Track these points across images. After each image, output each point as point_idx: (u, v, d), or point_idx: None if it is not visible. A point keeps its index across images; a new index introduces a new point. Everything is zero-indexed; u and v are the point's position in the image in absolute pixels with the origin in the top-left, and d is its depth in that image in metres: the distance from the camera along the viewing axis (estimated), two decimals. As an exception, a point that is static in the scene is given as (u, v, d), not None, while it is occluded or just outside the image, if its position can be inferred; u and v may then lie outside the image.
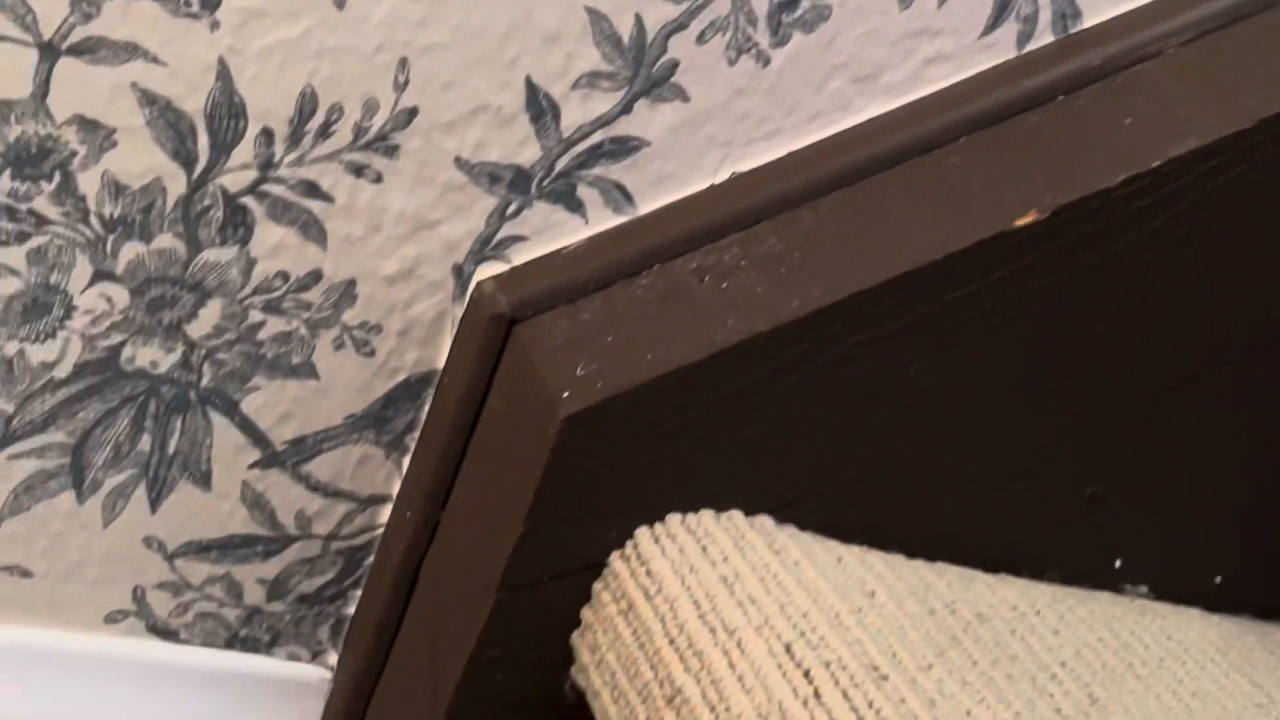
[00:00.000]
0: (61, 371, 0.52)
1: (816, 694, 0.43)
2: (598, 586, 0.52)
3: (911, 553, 0.56)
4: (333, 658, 0.63)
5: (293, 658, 0.62)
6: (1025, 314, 0.56)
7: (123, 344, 0.53)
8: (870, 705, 0.42)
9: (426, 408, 0.58)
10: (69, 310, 0.51)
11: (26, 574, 0.56)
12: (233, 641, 0.61)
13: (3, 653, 0.57)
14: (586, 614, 0.53)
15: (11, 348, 0.51)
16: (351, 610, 0.62)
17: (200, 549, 0.58)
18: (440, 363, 0.57)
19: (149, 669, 0.60)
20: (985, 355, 0.56)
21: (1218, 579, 0.67)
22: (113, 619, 0.59)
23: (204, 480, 0.57)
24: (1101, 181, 0.55)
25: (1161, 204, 0.56)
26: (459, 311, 0.56)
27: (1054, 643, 0.51)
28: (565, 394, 0.50)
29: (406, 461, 0.59)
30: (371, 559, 0.61)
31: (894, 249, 0.54)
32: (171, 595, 0.59)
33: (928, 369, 0.55)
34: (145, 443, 0.55)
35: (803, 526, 0.54)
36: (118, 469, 0.55)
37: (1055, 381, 0.59)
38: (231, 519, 0.58)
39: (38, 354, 0.52)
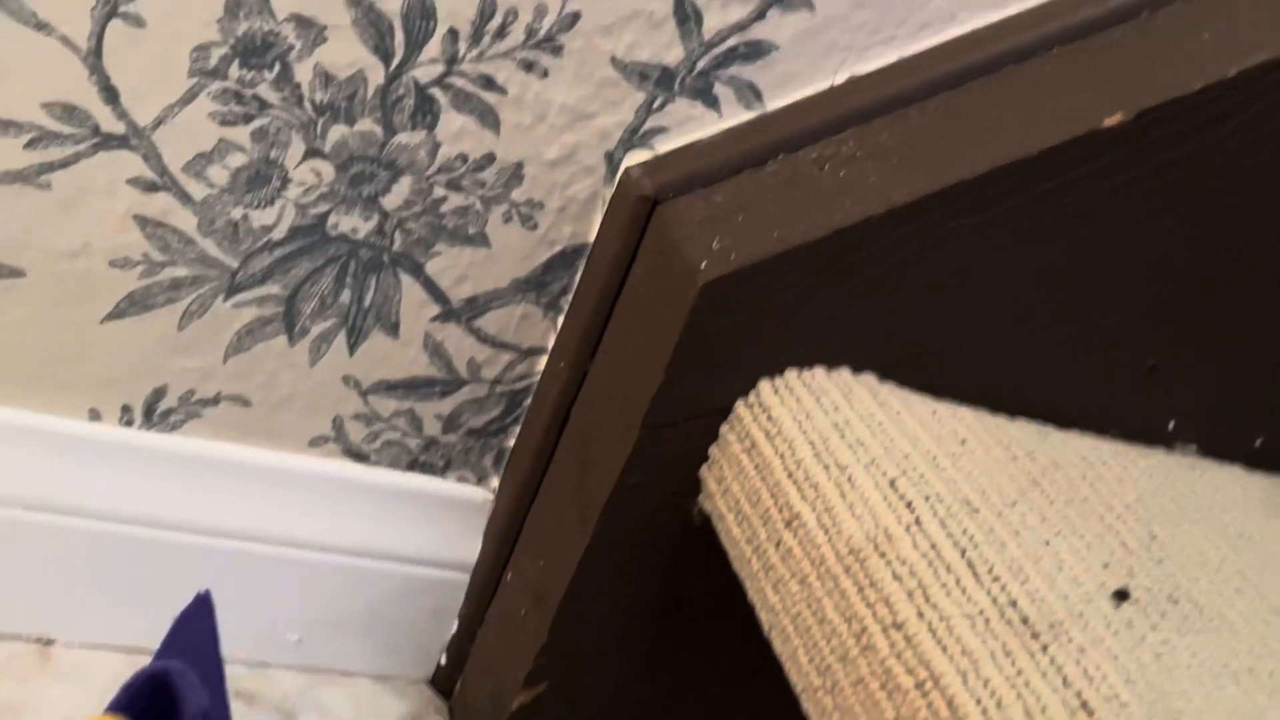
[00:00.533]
0: (278, 234, 0.55)
1: (917, 521, 0.45)
2: (724, 428, 0.54)
3: (994, 410, 0.57)
4: (494, 482, 0.66)
5: (461, 480, 0.65)
6: (1106, 205, 0.56)
7: (328, 212, 0.55)
8: (964, 532, 0.44)
9: (579, 275, 0.60)
10: (285, 182, 0.54)
11: (246, 403, 0.60)
12: (413, 465, 0.64)
13: (224, 467, 0.61)
14: (714, 451, 0.55)
15: (237, 213, 0.54)
16: (511, 443, 0.65)
17: (388, 387, 0.61)
18: (592, 236, 0.59)
19: (344, 486, 0.63)
20: (1067, 241, 0.56)
21: (1258, 442, 0.67)
22: (315, 443, 0.62)
23: (393, 330, 0.59)
24: (1180, 88, 0.55)
25: (1234, 110, 0.56)
26: (609, 192, 0.58)
27: (1118, 489, 0.52)
28: (703, 264, 0.52)
29: (560, 320, 0.61)
30: (529, 401, 0.64)
31: (992, 145, 0.54)
32: (364, 425, 0.62)
33: (1015, 252, 0.56)
34: (345, 297, 0.58)
35: (901, 384, 0.56)
36: (322, 318, 0.58)
37: (1126, 266, 0.59)
38: (415, 363, 0.61)
39: (258, 218, 0.54)
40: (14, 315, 0.54)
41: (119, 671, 0.61)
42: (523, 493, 0.63)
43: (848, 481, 0.47)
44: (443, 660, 0.69)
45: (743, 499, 0.52)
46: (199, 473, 0.60)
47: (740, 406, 0.54)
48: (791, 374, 0.54)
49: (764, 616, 0.49)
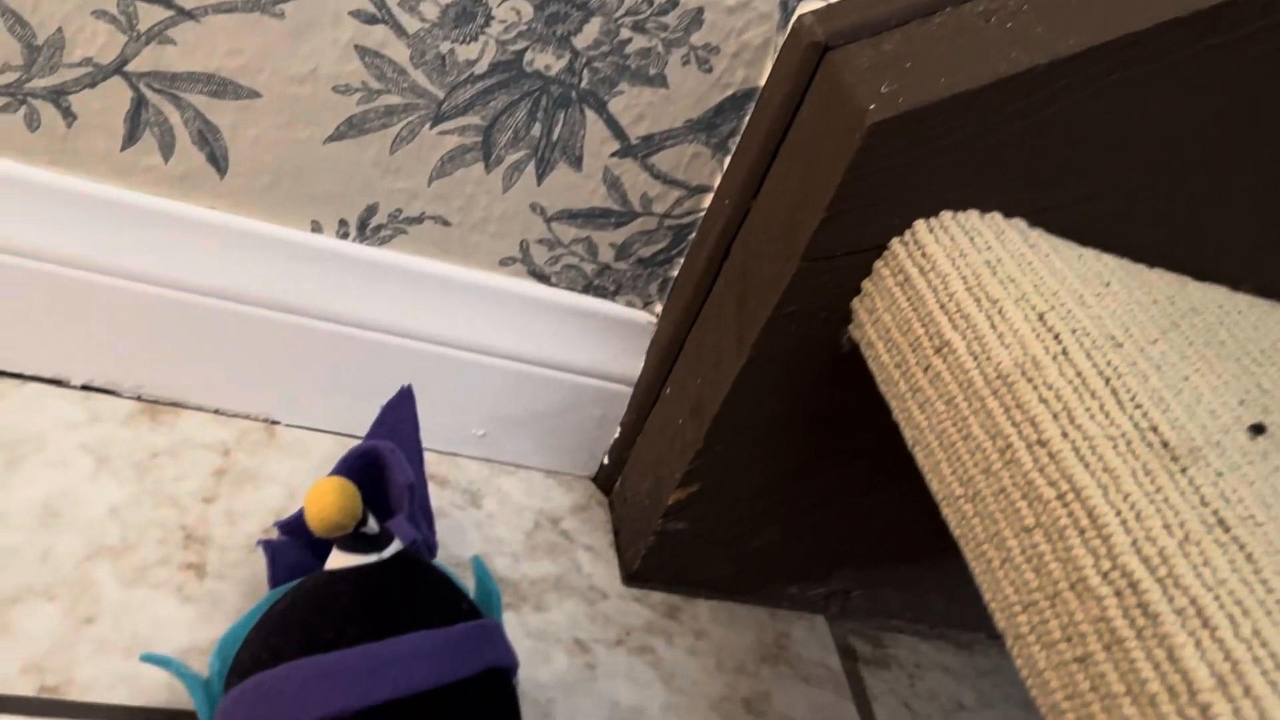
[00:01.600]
0: (480, 68, 0.55)
1: (1064, 352, 0.43)
2: (878, 264, 0.53)
3: (1136, 259, 0.54)
4: (658, 307, 0.66)
5: (629, 305, 0.65)
6: (1264, 65, 0.52)
7: (525, 50, 0.54)
8: (1108, 364, 0.42)
9: (748, 117, 0.58)
10: (488, 19, 0.53)
11: (446, 223, 0.60)
12: (588, 288, 0.64)
13: (425, 280, 0.62)
14: (866, 284, 0.53)
15: (445, 46, 0.54)
16: (675, 273, 0.64)
17: (570, 216, 0.61)
18: (762, 81, 0.57)
19: (527, 303, 0.64)
20: (1225, 97, 0.52)
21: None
22: (504, 263, 0.63)
23: (576, 163, 0.59)
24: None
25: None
26: (781, 39, 0.56)
27: (1254, 335, 0.50)
28: (871, 106, 0.50)
29: (727, 160, 0.60)
30: (693, 235, 0.63)
31: (1160, 1, 0.50)
32: (547, 249, 0.62)
33: (1172, 106, 0.52)
34: (536, 130, 0.57)
35: (1050, 230, 0.53)
36: (515, 148, 0.58)
37: (1274, 126, 0.55)
38: (594, 195, 0.60)
39: (463, 53, 0.54)
40: (251, 133, 0.55)
41: (332, 450, 0.64)
42: (683, 318, 0.63)
43: (998, 314, 0.46)
44: (605, 461, 0.70)
45: (893, 328, 0.51)
46: (403, 283, 0.62)
47: (895, 244, 0.52)
48: (946, 215, 0.52)
49: (908, 433, 0.49)
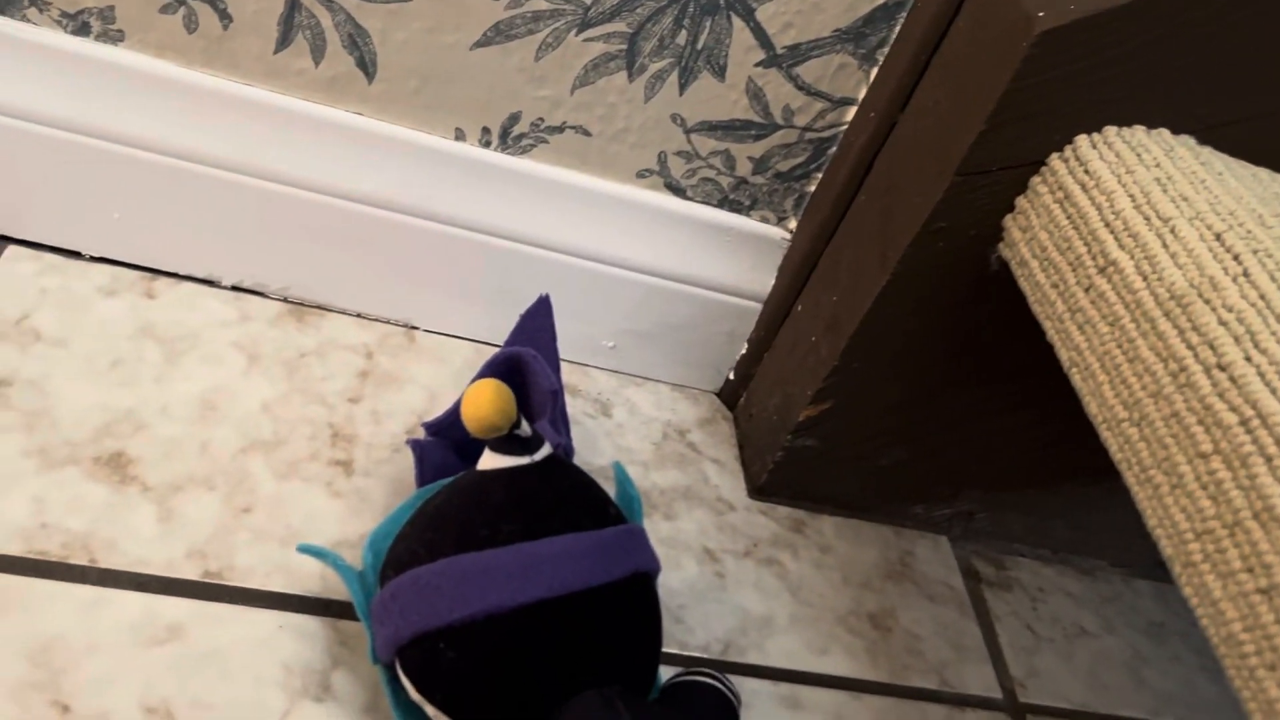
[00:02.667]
0: (629, -26, 0.52)
1: (1245, 274, 0.40)
2: (1035, 180, 0.50)
3: (1309, 180, 0.51)
4: (792, 223, 0.64)
5: (763, 220, 0.63)
6: None
7: (676, -46, 0.52)
8: (1295, 286, 0.39)
9: (899, 27, 0.55)
10: (640, -77, 0.51)
11: (586, 133, 0.59)
12: (723, 203, 0.62)
13: (563, 190, 0.60)
14: (1021, 201, 0.51)
15: (595, -48, 0.51)
16: (812, 188, 0.62)
17: (710, 127, 0.59)
18: (916, -12, 0.54)
19: (662, 216, 0.62)
20: None
21: None
22: (641, 175, 0.61)
23: (720, 72, 0.57)
24: None
25: None
26: (939, -56, 0.52)
27: None
28: (1040, 13, 0.46)
29: (874, 72, 0.57)
30: (834, 150, 0.60)
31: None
32: (685, 162, 0.60)
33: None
34: (681, 38, 0.55)
35: (1219, 149, 0.50)
36: (659, 57, 0.56)
37: None
38: (735, 106, 0.58)
39: (613, -42, 0.52)
40: (399, 37, 0.54)
41: (470, 358, 0.64)
42: (819, 234, 0.61)
43: (1170, 233, 0.43)
44: (731, 376, 0.69)
45: (1050, 246, 0.48)
46: (542, 194, 0.60)
47: (1055, 159, 0.49)
48: (1111, 130, 0.49)
49: (1065, 355, 0.46)
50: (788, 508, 0.64)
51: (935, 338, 0.57)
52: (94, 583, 0.46)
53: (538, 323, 0.57)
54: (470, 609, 0.40)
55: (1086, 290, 0.45)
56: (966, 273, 0.54)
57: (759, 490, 0.64)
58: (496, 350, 0.55)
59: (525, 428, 0.45)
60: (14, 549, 0.46)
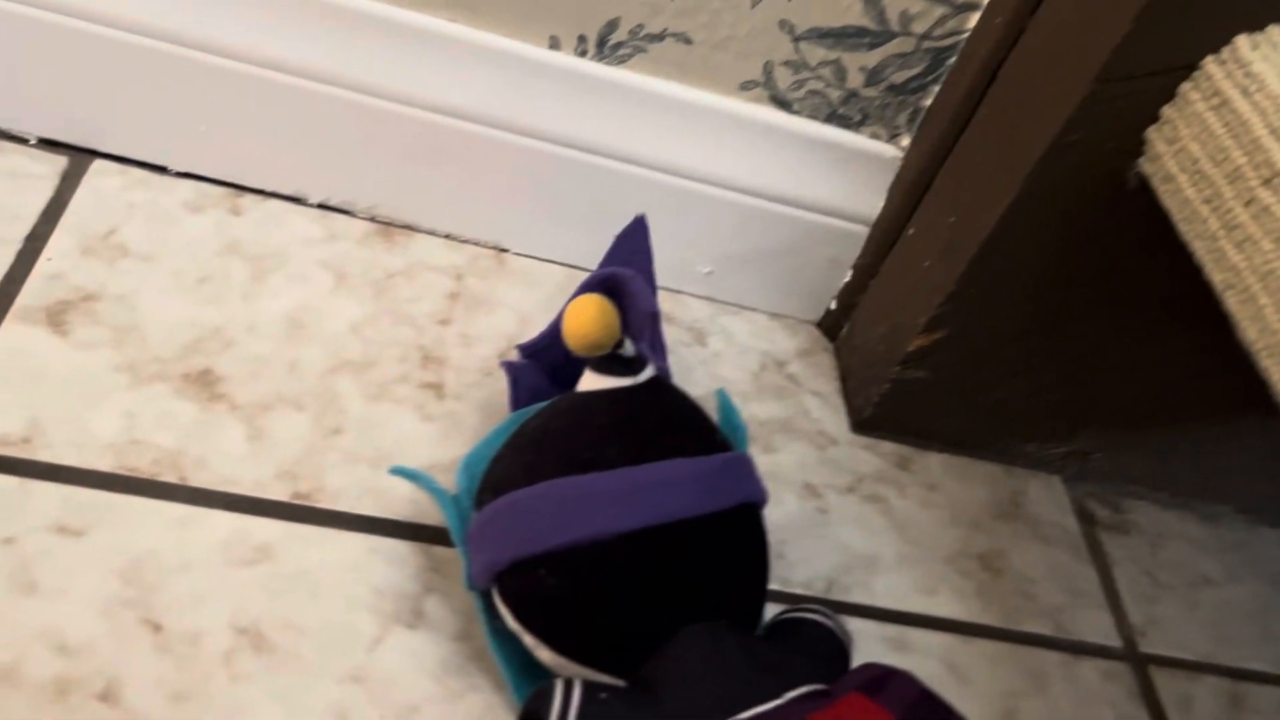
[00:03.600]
0: None
1: None
2: (1185, 86, 0.46)
3: None
4: (905, 140, 0.60)
5: (874, 137, 0.60)
6: None
7: None
8: None
9: (1032, -79, 0.51)
10: None
11: (688, 41, 0.55)
12: (831, 117, 0.59)
13: (661, 103, 0.57)
14: (1168, 110, 0.46)
15: None
16: (928, 102, 0.58)
17: (821, 35, 0.55)
18: (1055, -123, 0.49)
19: (765, 132, 0.59)
20: None
21: None
22: (745, 87, 0.57)
23: (834, -26, 0.53)
24: None
25: None
26: None
27: None
28: (1202, -104, 0.42)
29: (1002, -28, 0.53)
30: (953, 60, 0.56)
31: None
32: (792, 72, 0.57)
33: None
34: (794, -65, 0.51)
35: (1397, 49, 0.45)
36: (770, -43, 0.52)
37: None
38: (849, 11, 0.54)
39: None
40: (495, -63, 0.51)
41: (561, 281, 0.62)
42: (935, 151, 0.57)
43: (1349, 139, 0.38)
44: (832, 305, 0.65)
45: (1202, 158, 0.44)
46: (639, 107, 0.57)
47: (1210, 63, 0.45)
48: (1275, 29, 0.44)
49: (1219, 276, 0.42)
50: (892, 443, 0.61)
51: (1062, 262, 0.53)
52: (184, 501, 0.45)
53: (634, 244, 0.54)
54: (572, 534, 0.38)
55: (1247, 204, 0.41)
56: (1100, 190, 0.50)
57: (862, 424, 0.61)
58: (590, 273, 0.53)
59: (629, 347, 0.43)
60: (105, 464, 0.45)
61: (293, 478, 0.47)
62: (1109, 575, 0.59)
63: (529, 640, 0.40)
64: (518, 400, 0.50)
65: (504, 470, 0.42)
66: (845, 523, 0.56)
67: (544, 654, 0.40)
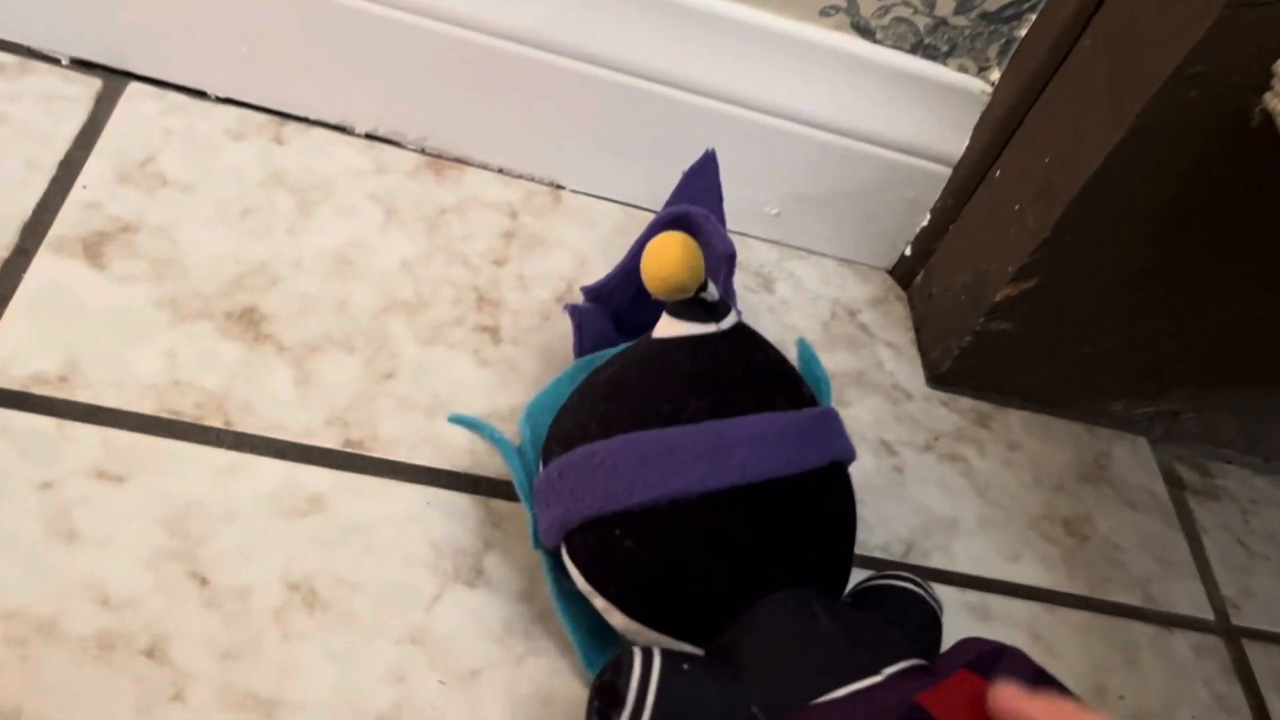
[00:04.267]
0: None
1: None
2: (1325, 13, 0.42)
3: None
4: (995, 74, 0.56)
5: (961, 70, 0.56)
6: None
7: None
8: None
9: None
10: None
11: (767, -38, 0.52)
12: (916, 47, 0.55)
13: (734, 28, 0.53)
14: (1304, 40, 0.42)
15: None
16: (1023, 32, 0.54)
17: (912, -45, 0.51)
18: None
19: (845, 61, 0.55)
20: None
21: None
22: (826, 13, 0.53)
23: (930, -113, 0.49)
24: None
25: None
26: None
27: None
28: None
29: (1115, -113, 0.49)
30: (1053, -15, 0.52)
31: None
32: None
33: None
34: None
35: None
36: None
37: None
38: (944, -71, 0.50)
39: None
40: None
41: (621, 221, 0.58)
42: (1030, 86, 0.53)
43: None
44: (907, 252, 0.62)
45: (1345, 92, 0.40)
46: (709, 32, 0.53)
47: (1356, -14, 0.41)
48: None
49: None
50: (970, 399, 0.58)
51: (1170, 206, 0.49)
52: (230, 447, 0.42)
53: (702, 181, 0.51)
54: (652, 493, 0.36)
55: (1402, 143, 0.37)
56: (1218, 128, 0.46)
57: (939, 379, 0.57)
58: (655, 213, 0.49)
59: (712, 290, 0.39)
60: (147, 406, 0.42)
61: (344, 424, 0.45)
62: (1199, 543, 0.56)
63: (600, 603, 0.38)
64: (581, 346, 0.47)
65: (575, 421, 0.39)
66: (923, 483, 0.53)
67: (616, 619, 0.38)
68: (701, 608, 0.36)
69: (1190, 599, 0.53)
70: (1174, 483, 0.59)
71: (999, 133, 0.55)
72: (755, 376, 0.39)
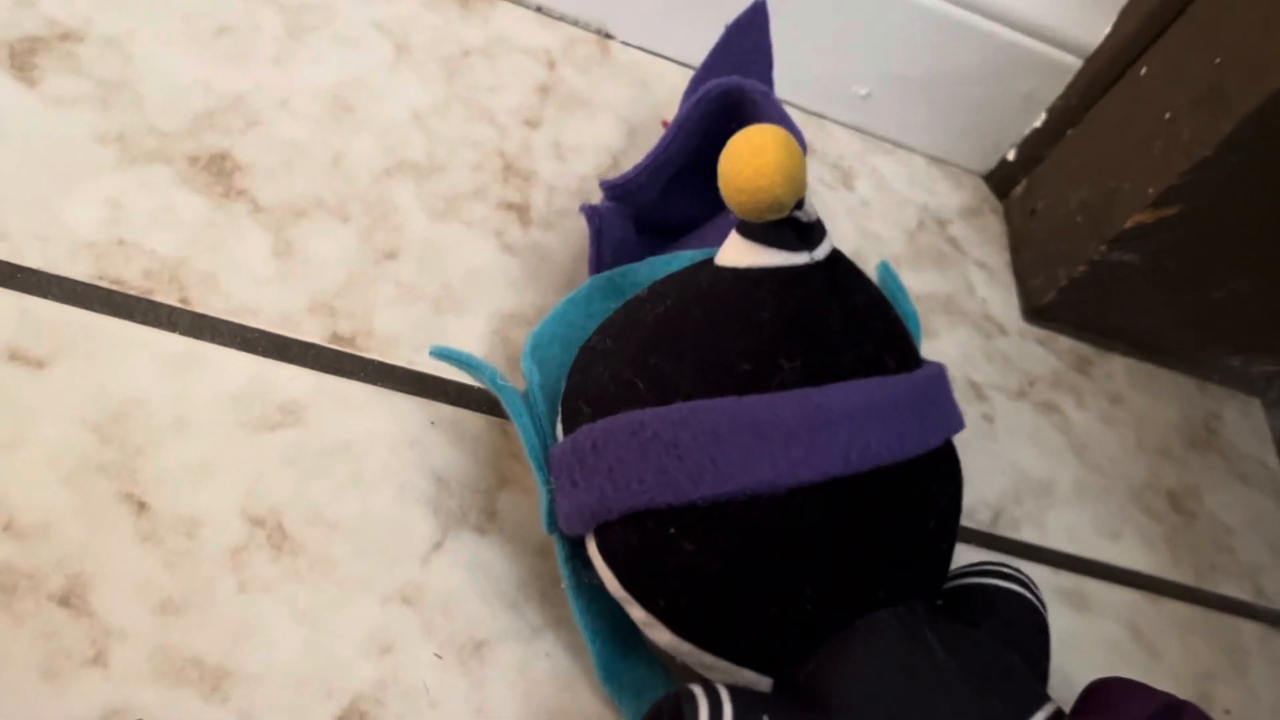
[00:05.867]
0: None
1: None
2: None
3: None
4: (1158, -54, 0.46)
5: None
6: None
7: None
8: None
9: None
10: None
11: None
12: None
13: None
14: None
15: None
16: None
17: None
18: None
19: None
20: None
21: None
22: None
23: None
24: None
25: None
26: None
27: None
28: None
29: None
30: None
31: None
32: None
33: None
34: None
35: None
36: None
37: None
38: None
39: None
40: None
41: (678, 84, 0.49)
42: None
43: None
44: (1011, 155, 0.53)
45: None
46: None
47: None
48: None
49: None
50: (1070, 338, 0.50)
51: (1371, 133, 0.41)
52: (185, 332, 0.34)
53: (749, 41, 0.40)
54: (726, 484, 0.27)
55: None
56: None
57: (1038, 312, 0.49)
58: (696, 81, 0.40)
59: (810, 208, 0.30)
60: (80, 271, 0.33)
61: (331, 313, 0.36)
62: (1312, 529, 0.49)
63: (640, 615, 0.29)
64: (600, 258, 0.37)
65: (613, 374, 0.29)
66: (1015, 436, 0.45)
67: (662, 636, 0.29)
68: (779, 632, 0.28)
69: (1303, 595, 0.46)
70: (1287, 455, 0.51)
71: (1150, 22, 0.46)
72: (859, 326, 0.29)
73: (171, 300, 0.34)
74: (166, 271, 0.34)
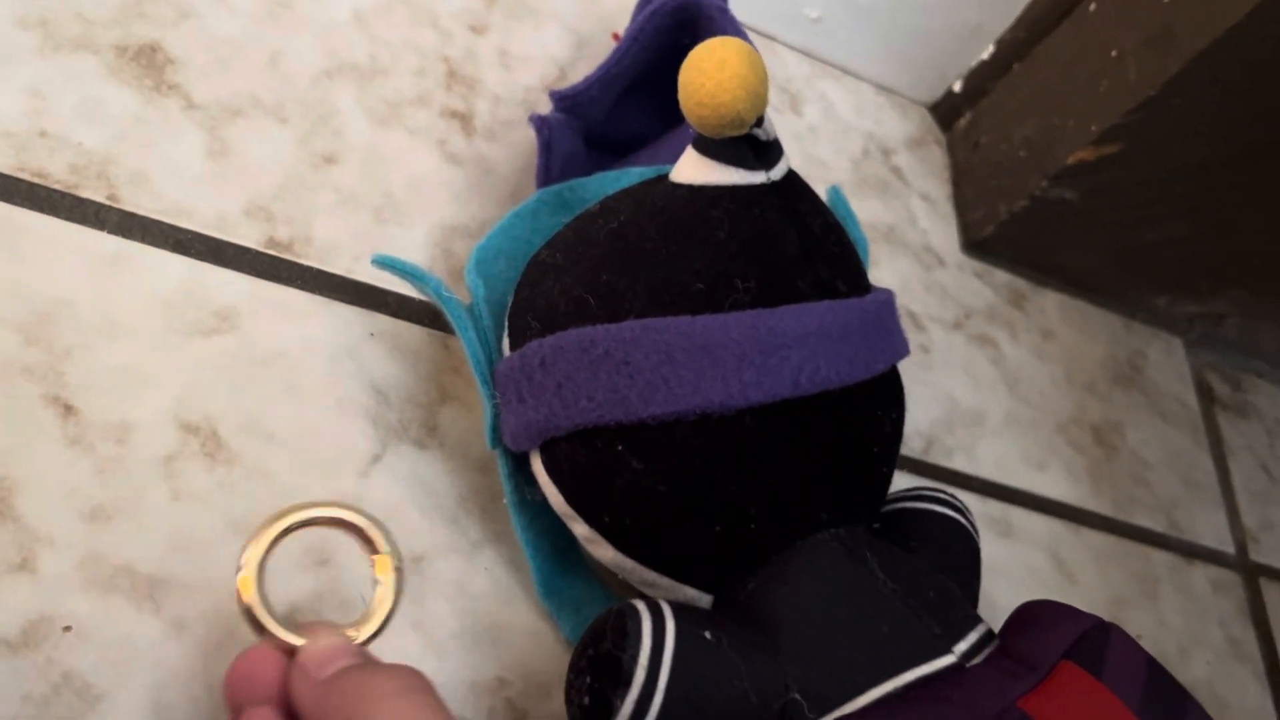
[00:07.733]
0: None
1: None
2: None
3: None
4: (1115, -120, 0.46)
5: None
6: None
7: None
8: None
9: None
10: None
11: None
12: None
13: None
14: None
15: None
16: None
17: None
18: None
19: None
20: None
21: None
22: None
23: None
24: None
25: None
26: None
27: None
28: None
29: None
30: None
31: None
32: None
33: None
34: None
35: None
36: None
37: None
38: None
39: None
40: None
41: (630, -2, 0.48)
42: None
43: None
44: (957, 87, 0.53)
45: None
46: None
47: None
48: None
49: None
50: (1007, 272, 0.51)
51: (1310, 80, 0.42)
52: (114, 231, 0.32)
53: None
54: (677, 403, 0.27)
55: None
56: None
57: (976, 245, 0.50)
58: None
59: (769, 126, 0.29)
60: (1, 163, 0.32)
61: (268, 217, 0.35)
62: (1224, 466, 0.51)
63: (583, 531, 0.29)
64: (548, 171, 0.37)
65: (563, 290, 0.29)
66: (951, 367, 0.46)
67: (604, 551, 0.29)
68: (723, 552, 0.28)
69: (1213, 529, 0.48)
70: (1204, 394, 0.53)
71: (1105, -42, 0.46)
72: (814, 249, 0.29)
73: (99, 197, 0.33)
74: (94, 167, 0.33)
